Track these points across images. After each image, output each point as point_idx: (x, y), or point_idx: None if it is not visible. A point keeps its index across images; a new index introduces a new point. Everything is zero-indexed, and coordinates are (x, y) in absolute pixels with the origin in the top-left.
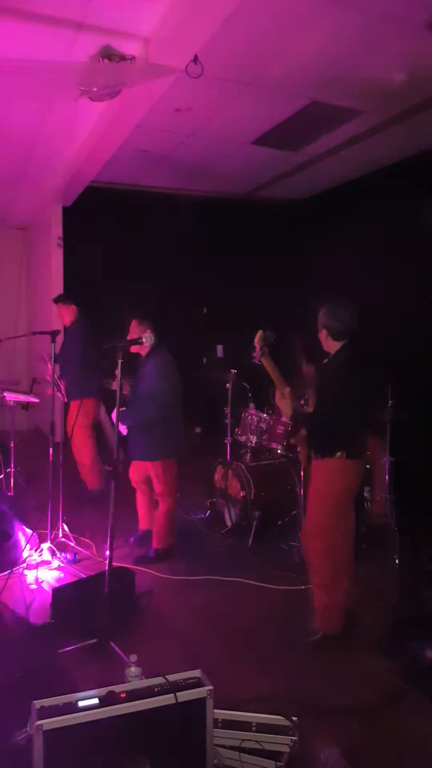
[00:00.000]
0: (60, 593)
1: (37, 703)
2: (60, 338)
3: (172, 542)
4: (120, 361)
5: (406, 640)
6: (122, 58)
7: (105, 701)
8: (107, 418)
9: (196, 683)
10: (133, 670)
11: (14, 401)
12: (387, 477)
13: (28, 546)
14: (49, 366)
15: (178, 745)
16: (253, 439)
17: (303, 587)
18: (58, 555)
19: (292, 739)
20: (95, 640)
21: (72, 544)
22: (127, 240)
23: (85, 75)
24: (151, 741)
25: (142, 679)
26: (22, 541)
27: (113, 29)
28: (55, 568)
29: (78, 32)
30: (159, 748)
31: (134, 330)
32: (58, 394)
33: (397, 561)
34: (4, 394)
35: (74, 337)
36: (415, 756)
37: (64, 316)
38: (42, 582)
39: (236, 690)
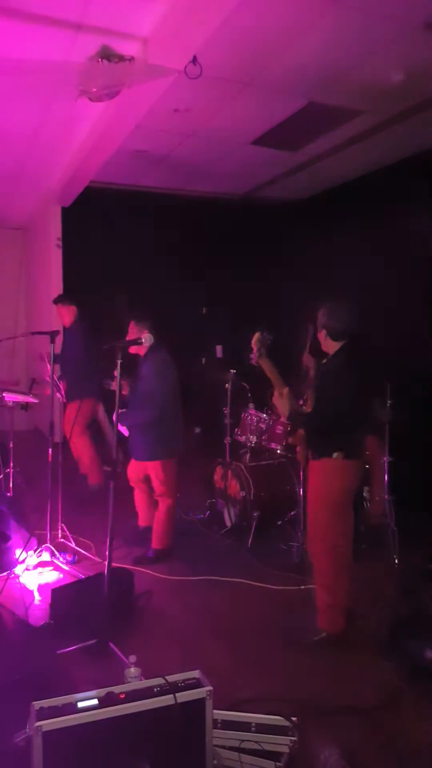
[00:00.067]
0: (59, 594)
1: (37, 704)
2: (59, 339)
3: (172, 542)
4: (119, 362)
5: (406, 640)
6: (121, 58)
7: (104, 702)
8: (106, 417)
9: (196, 684)
10: (133, 670)
11: (13, 402)
12: (386, 477)
13: (26, 548)
14: (49, 366)
15: (177, 746)
16: (253, 439)
17: (302, 587)
18: (58, 556)
19: (291, 740)
20: (94, 641)
21: (71, 544)
22: (126, 240)
23: (84, 75)
24: (151, 742)
25: (141, 680)
26: (21, 542)
27: (112, 30)
28: (55, 569)
29: (77, 33)
30: (158, 748)
31: (133, 330)
32: (58, 394)
33: (396, 561)
34: (4, 394)
35: (74, 338)
36: (415, 756)
37: (63, 317)
38: (41, 583)
39: (236, 690)
